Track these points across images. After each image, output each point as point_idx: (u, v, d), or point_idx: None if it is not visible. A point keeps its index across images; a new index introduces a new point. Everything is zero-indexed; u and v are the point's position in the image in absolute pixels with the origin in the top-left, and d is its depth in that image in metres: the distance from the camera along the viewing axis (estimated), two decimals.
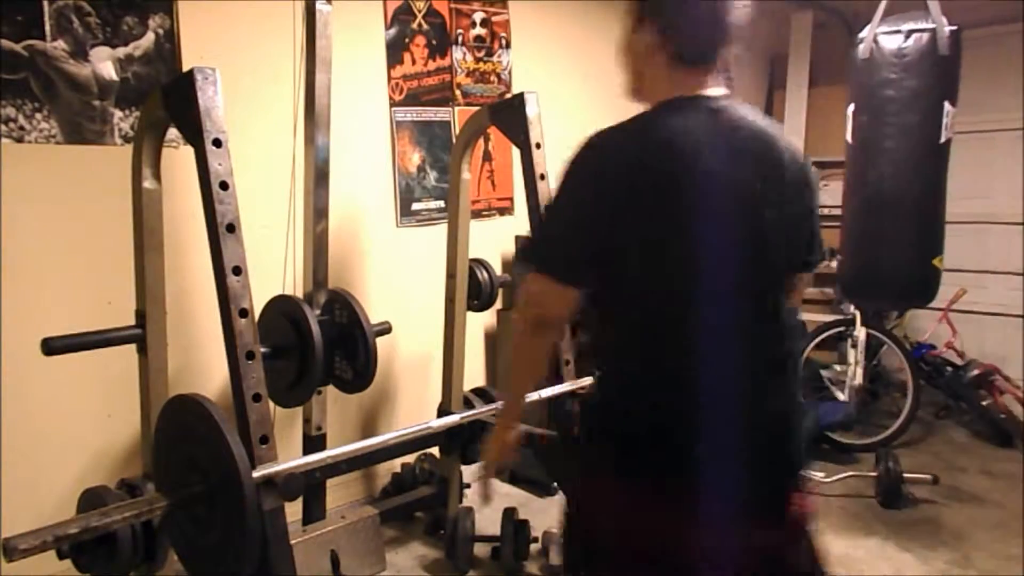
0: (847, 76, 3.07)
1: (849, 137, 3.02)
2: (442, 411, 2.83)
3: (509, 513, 2.69)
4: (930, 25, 2.76)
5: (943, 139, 2.82)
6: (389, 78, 3.12)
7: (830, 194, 4.96)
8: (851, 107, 3.00)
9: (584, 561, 1.37)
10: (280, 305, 2.48)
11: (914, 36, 2.79)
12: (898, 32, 2.82)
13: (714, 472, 1.20)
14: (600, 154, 1.24)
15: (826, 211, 5.10)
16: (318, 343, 2.34)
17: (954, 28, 2.76)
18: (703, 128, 1.23)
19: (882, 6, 2.87)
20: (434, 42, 3.24)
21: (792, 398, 1.34)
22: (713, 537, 1.22)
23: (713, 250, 1.21)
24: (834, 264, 4.43)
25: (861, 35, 2.93)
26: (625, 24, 1.34)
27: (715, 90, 1.28)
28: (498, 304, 3.17)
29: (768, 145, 1.28)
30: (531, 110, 2.48)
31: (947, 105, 2.80)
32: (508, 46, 3.53)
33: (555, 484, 2.52)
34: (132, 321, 2.09)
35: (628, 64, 1.36)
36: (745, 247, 1.25)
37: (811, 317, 4.66)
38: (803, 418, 1.37)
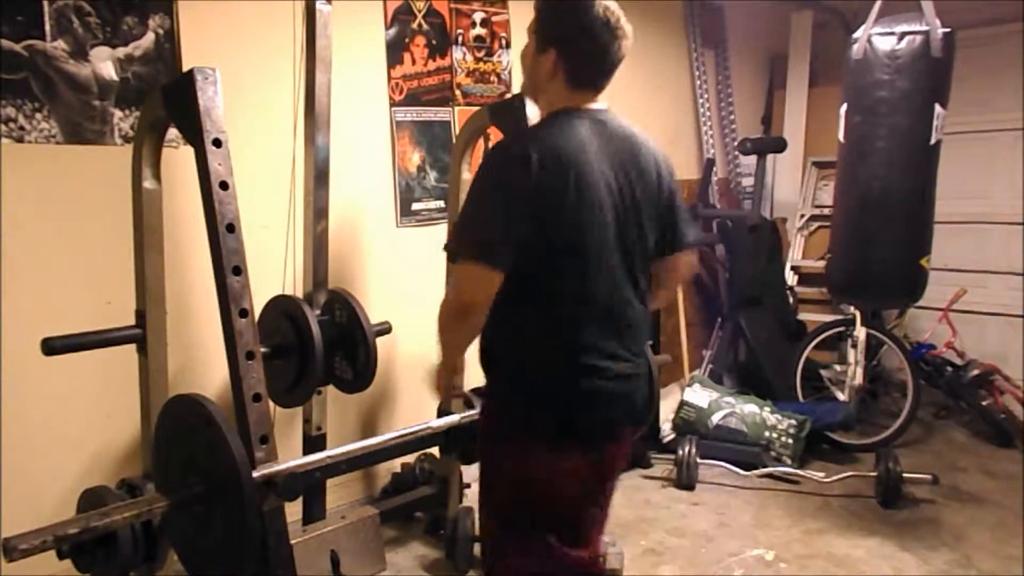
0: (842, 76, 3.08)
1: (841, 137, 3.03)
2: (442, 411, 2.83)
3: None
4: (923, 27, 2.77)
5: (933, 141, 2.83)
6: (389, 78, 3.12)
7: (829, 194, 4.97)
8: (844, 107, 3.01)
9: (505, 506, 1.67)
10: (280, 305, 2.48)
11: (907, 38, 2.80)
12: (892, 34, 2.83)
13: (589, 408, 1.59)
14: (508, 158, 1.52)
15: (826, 211, 5.14)
16: (318, 343, 2.34)
17: (947, 31, 2.76)
18: (588, 135, 1.55)
19: (876, 7, 2.88)
20: (434, 42, 3.24)
21: (643, 354, 1.69)
22: (586, 464, 1.62)
23: (593, 232, 1.52)
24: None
25: (855, 35, 2.93)
26: (531, 41, 1.64)
27: (599, 104, 1.64)
28: None
29: (637, 148, 1.67)
30: (531, 110, 2.48)
31: (938, 107, 2.81)
32: (508, 46, 3.53)
33: None
34: (132, 321, 2.09)
35: (529, 75, 1.67)
36: (617, 229, 1.56)
37: (811, 317, 4.67)
38: (649, 371, 1.72)
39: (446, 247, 1.63)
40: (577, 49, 1.57)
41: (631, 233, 1.60)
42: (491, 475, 1.71)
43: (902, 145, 2.85)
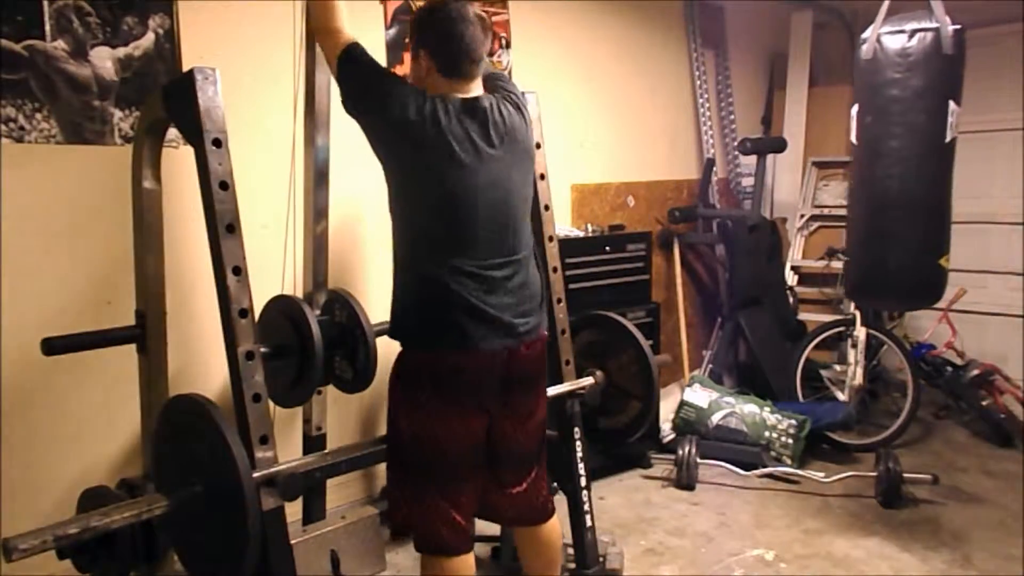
0: (852, 77, 3.06)
1: (854, 138, 3.01)
2: None
3: None
4: (934, 24, 2.76)
5: (948, 138, 2.81)
6: None
7: (829, 194, 4.98)
8: (855, 108, 2.99)
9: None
10: (280, 305, 2.48)
11: (918, 36, 2.78)
12: (902, 32, 2.81)
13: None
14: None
15: (826, 211, 5.14)
16: (318, 343, 2.34)
17: (958, 27, 2.75)
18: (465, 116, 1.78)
19: (885, 6, 2.86)
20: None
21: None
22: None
23: (470, 189, 1.79)
24: (834, 264, 4.46)
25: (864, 35, 2.92)
26: (411, 60, 1.91)
27: (475, 92, 1.84)
28: None
29: (506, 121, 1.84)
30: (532, 111, 2.48)
31: (952, 104, 2.79)
32: (508, 46, 3.53)
33: (554, 484, 2.55)
34: (132, 321, 2.09)
35: (416, 82, 1.86)
36: (494, 184, 1.81)
37: (811, 317, 4.67)
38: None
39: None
40: (441, 45, 1.81)
41: (502, 184, 1.86)
42: None
43: (918, 143, 2.83)
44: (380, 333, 2.57)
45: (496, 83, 1.96)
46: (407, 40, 3.15)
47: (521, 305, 1.88)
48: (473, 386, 1.85)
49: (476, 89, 1.86)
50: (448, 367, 1.83)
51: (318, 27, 1.91)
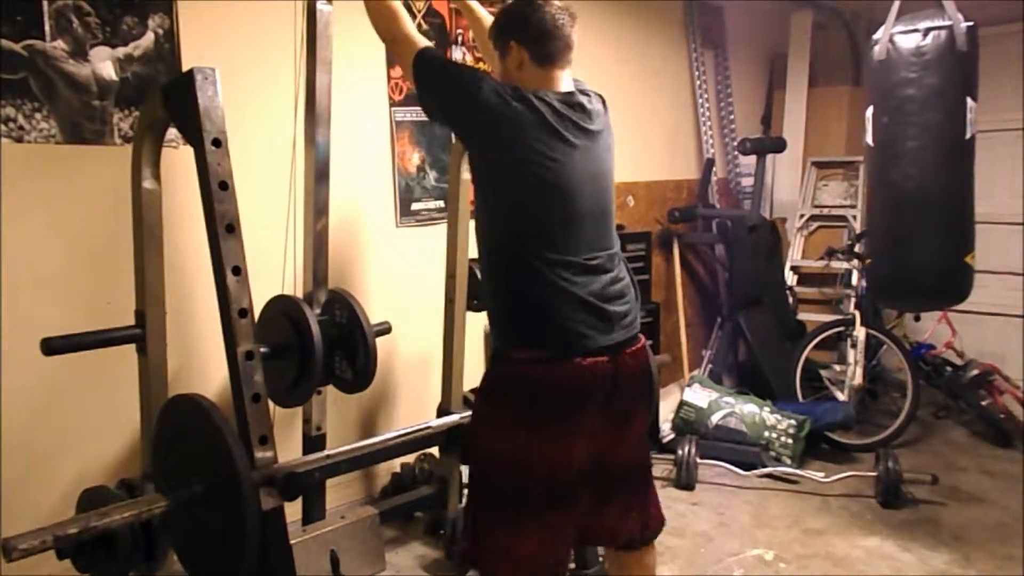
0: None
1: (870, 140, 2.98)
2: (442, 411, 2.83)
3: None
4: (946, 22, 2.75)
5: (968, 135, 2.80)
6: (389, 78, 3.12)
7: (829, 194, 4.98)
8: (870, 110, 2.96)
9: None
10: (280, 305, 2.48)
11: (932, 34, 2.76)
12: (915, 31, 2.79)
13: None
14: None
15: (825, 211, 5.13)
16: (318, 343, 2.34)
17: (970, 24, 2.74)
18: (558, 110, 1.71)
19: (896, 6, 2.84)
20: (434, 42, 3.24)
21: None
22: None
23: (575, 178, 1.71)
24: (834, 264, 4.46)
25: (876, 37, 2.90)
26: (496, 60, 1.86)
27: (565, 84, 1.80)
28: None
29: (596, 110, 1.83)
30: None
31: (969, 101, 2.78)
32: None
33: None
34: (132, 321, 2.09)
35: (505, 79, 1.80)
36: (594, 175, 1.75)
37: (810, 317, 4.67)
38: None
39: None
40: (532, 32, 1.77)
41: (600, 178, 1.80)
42: None
43: (937, 141, 2.81)
44: (380, 333, 2.57)
45: (574, 80, 1.89)
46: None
47: (624, 304, 1.77)
48: (585, 398, 1.69)
49: (568, 82, 1.81)
50: (563, 376, 1.66)
51: (387, 37, 1.85)
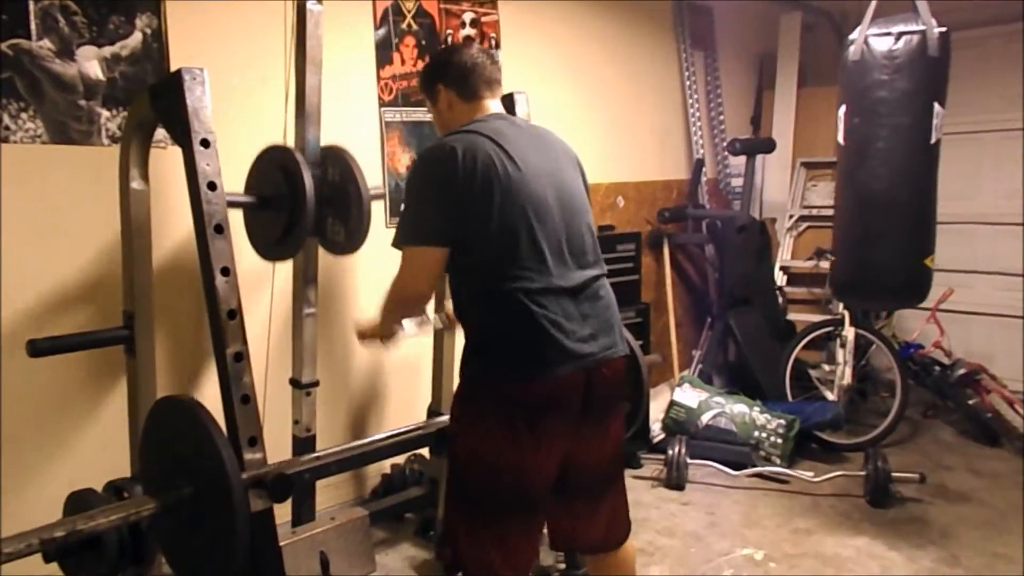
0: (838, 78, 3.08)
1: (841, 139, 3.03)
2: (432, 412, 2.83)
3: None
4: (920, 27, 2.78)
5: (933, 140, 2.83)
6: (378, 78, 3.12)
7: (818, 194, 5.00)
8: (842, 109, 3.01)
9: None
10: (273, 155, 2.41)
11: (904, 38, 2.80)
12: (888, 34, 2.83)
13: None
14: (437, 156, 1.73)
15: (814, 211, 5.16)
16: (310, 193, 2.27)
17: (943, 30, 2.78)
18: (497, 132, 1.76)
19: (871, 7, 2.88)
20: (423, 42, 3.24)
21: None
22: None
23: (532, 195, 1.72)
24: (823, 264, 4.48)
25: (851, 37, 2.94)
26: (431, 106, 1.96)
27: (495, 109, 1.89)
28: None
29: (542, 136, 1.88)
30: (520, 110, 2.49)
31: (937, 106, 2.82)
32: (498, 46, 3.53)
33: None
34: (120, 322, 2.08)
35: (441, 123, 1.95)
36: (555, 203, 1.77)
37: (799, 317, 4.69)
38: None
39: (393, 242, 1.75)
40: (457, 73, 1.88)
41: (565, 202, 1.81)
42: None
43: (903, 144, 2.85)
44: (375, 197, 2.52)
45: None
46: (396, 40, 3.15)
47: (602, 321, 1.79)
48: (562, 409, 1.72)
49: (496, 109, 1.90)
50: (537, 392, 1.69)
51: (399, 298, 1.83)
